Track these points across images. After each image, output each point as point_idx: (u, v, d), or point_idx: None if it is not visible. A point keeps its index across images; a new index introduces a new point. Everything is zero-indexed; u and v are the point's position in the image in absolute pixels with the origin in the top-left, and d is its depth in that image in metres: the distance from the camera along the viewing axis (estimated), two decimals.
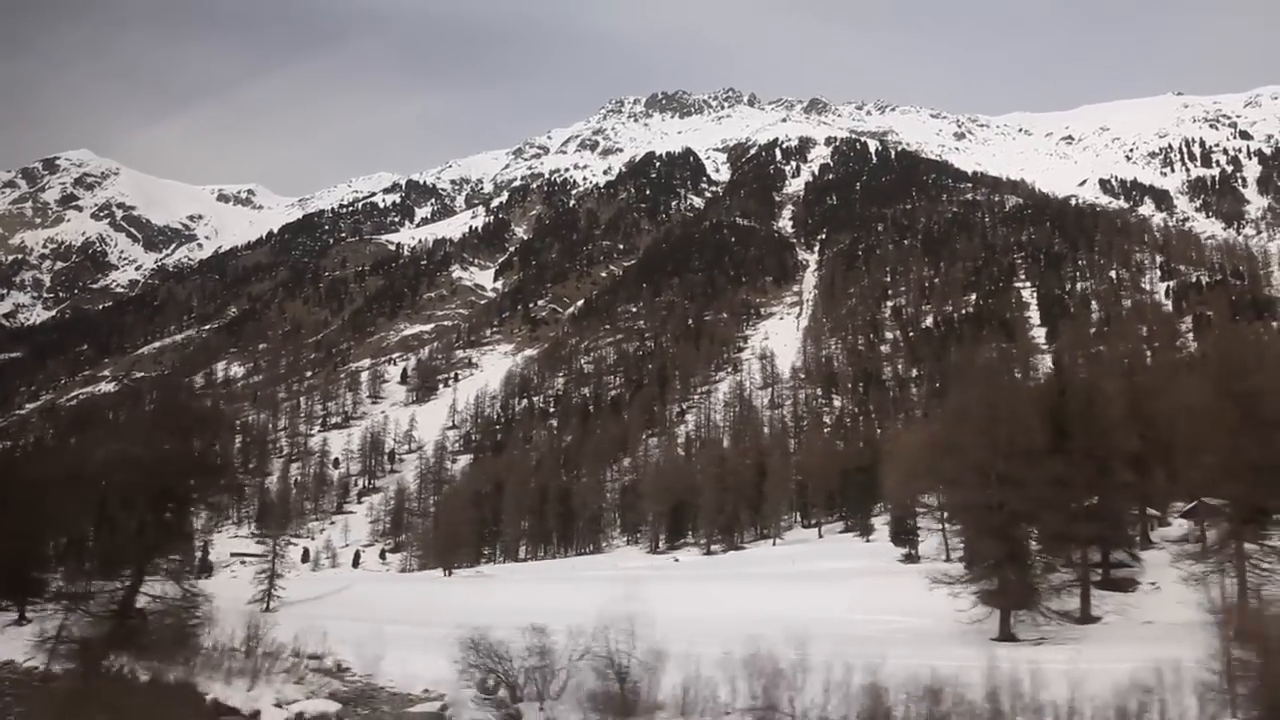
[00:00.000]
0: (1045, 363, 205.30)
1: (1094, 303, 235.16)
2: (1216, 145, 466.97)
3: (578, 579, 68.32)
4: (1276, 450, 32.86)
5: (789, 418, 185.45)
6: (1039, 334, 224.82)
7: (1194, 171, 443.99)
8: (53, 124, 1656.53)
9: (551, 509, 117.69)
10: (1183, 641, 25.93)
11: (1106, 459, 40.50)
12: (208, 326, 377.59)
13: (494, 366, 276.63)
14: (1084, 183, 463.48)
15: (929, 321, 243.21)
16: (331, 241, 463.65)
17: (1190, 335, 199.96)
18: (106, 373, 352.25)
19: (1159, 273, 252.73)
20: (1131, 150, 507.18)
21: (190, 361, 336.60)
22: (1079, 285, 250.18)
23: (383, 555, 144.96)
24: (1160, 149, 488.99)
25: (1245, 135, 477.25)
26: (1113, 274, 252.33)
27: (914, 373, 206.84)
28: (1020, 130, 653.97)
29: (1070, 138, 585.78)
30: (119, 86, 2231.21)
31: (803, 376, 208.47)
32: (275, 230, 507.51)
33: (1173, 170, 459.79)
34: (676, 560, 76.01)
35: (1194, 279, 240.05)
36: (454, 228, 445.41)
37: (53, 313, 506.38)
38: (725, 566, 71.80)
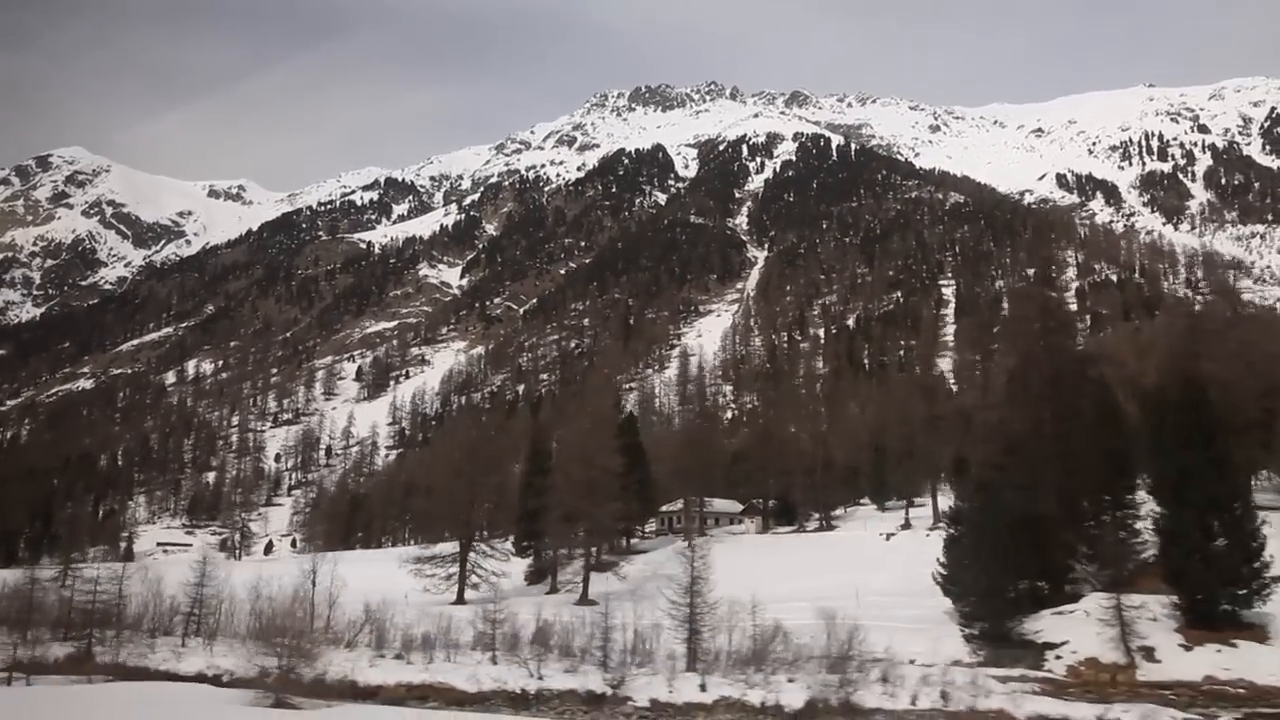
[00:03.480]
0: (946, 360, 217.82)
1: (1005, 300, 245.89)
2: (1174, 139, 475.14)
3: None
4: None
5: (692, 416, 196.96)
6: (951, 332, 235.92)
7: (1149, 165, 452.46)
8: (54, 119, 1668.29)
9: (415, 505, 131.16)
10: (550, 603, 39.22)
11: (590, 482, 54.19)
12: (184, 324, 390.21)
13: (446, 364, 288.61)
14: (1043, 177, 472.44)
15: (853, 319, 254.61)
16: (308, 239, 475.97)
17: (1086, 333, 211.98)
18: (86, 370, 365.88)
19: (1075, 270, 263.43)
20: (1094, 144, 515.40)
21: (165, 359, 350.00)
22: (998, 283, 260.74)
23: (294, 544, 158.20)
24: (1121, 143, 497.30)
25: (1203, 129, 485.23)
26: (1030, 272, 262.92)
27: (821, 368, 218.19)
28: (995, 123, 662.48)
29: (1040, 130, 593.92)
30: (120, 81, 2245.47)
31: (719, 374, 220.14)
32: (255, 228, 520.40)
33: (1130, 164, 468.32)
34: None
35: (1103, 276, 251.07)
36: (426, 225, 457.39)
37: (42, 310, 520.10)
38: None
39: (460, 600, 53.82)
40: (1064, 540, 33.29)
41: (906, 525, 64.62)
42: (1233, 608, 29.80)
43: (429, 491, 75.53)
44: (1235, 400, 38.87)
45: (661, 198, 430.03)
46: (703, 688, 29.83)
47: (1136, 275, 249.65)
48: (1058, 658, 29.87)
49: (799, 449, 70.72)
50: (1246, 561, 29.55)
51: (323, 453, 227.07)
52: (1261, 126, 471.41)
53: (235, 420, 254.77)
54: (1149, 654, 28.99)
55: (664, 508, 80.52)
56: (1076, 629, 30.42)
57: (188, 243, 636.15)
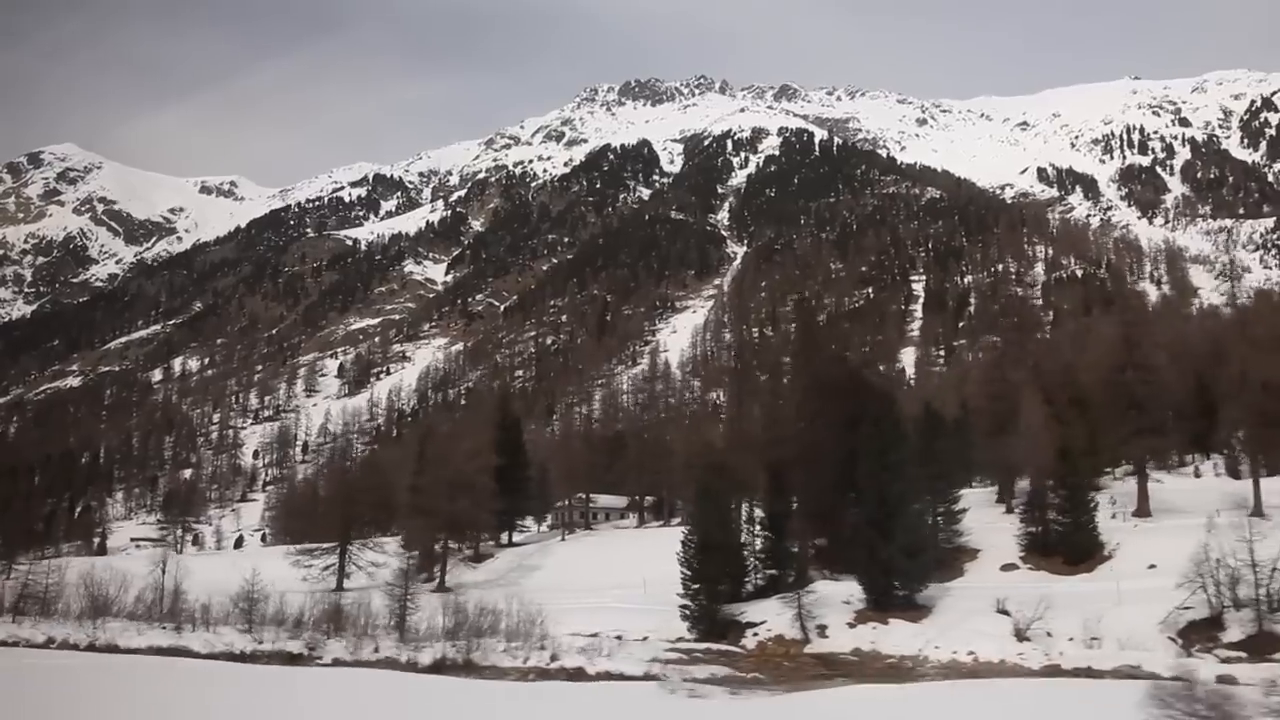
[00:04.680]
0: (908, 355, 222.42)
1: (973, 296, 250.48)
2: (1155, 133, 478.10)
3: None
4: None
5: (659, 412, 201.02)
6: (918, 327, 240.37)
7: (1129, 159, 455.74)
8: (46, 116, 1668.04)
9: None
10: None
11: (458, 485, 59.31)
12: (173, 321, 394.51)
13: (427, 360, 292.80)
14: (1025, 170, 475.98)
15: (824, 316, 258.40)
16: (296, 236, 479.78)
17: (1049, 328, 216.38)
18: (75, 367, 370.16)
19: (1043, 265, 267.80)
20: (1077, 137, 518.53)
21: (153, 356, 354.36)
22: (967, 279, 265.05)
23: (263, 538, 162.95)
24: (1103, 136, 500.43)
25: (1184, 122, 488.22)
26: (999, 267, 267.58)
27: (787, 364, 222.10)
28: (981, 115, 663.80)
29: (1025, 124, 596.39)
30: (113, 78, 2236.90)
31: (687, 370, 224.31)
32: (244, 225, 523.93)
33: (1110, 157, 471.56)
34: None
35: (1070, 272, 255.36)
36: (413, 222, 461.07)
37: (33, 307, 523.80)
38: None
39: (339, 589, 58.77)
40: (812, 533, 37.77)
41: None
42: (906, 593, 34.31)
43: (321, 493, 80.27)
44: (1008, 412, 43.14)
45: (646, 193, 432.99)
46: (376, 650, 38.34)
47: (1102, 270, 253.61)
48: (754, 635, 34.51)
49: (666, 448, 75.54)
50: (908, 555, 34.01)
51: (299, 449, 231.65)
52: (1241, 120, 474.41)
53: (217, 417, 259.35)
54: (822, 631, 33.62)
55: (558, 504, 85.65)
56: (774, 611, 34.96)
57: (179, 239, 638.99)
